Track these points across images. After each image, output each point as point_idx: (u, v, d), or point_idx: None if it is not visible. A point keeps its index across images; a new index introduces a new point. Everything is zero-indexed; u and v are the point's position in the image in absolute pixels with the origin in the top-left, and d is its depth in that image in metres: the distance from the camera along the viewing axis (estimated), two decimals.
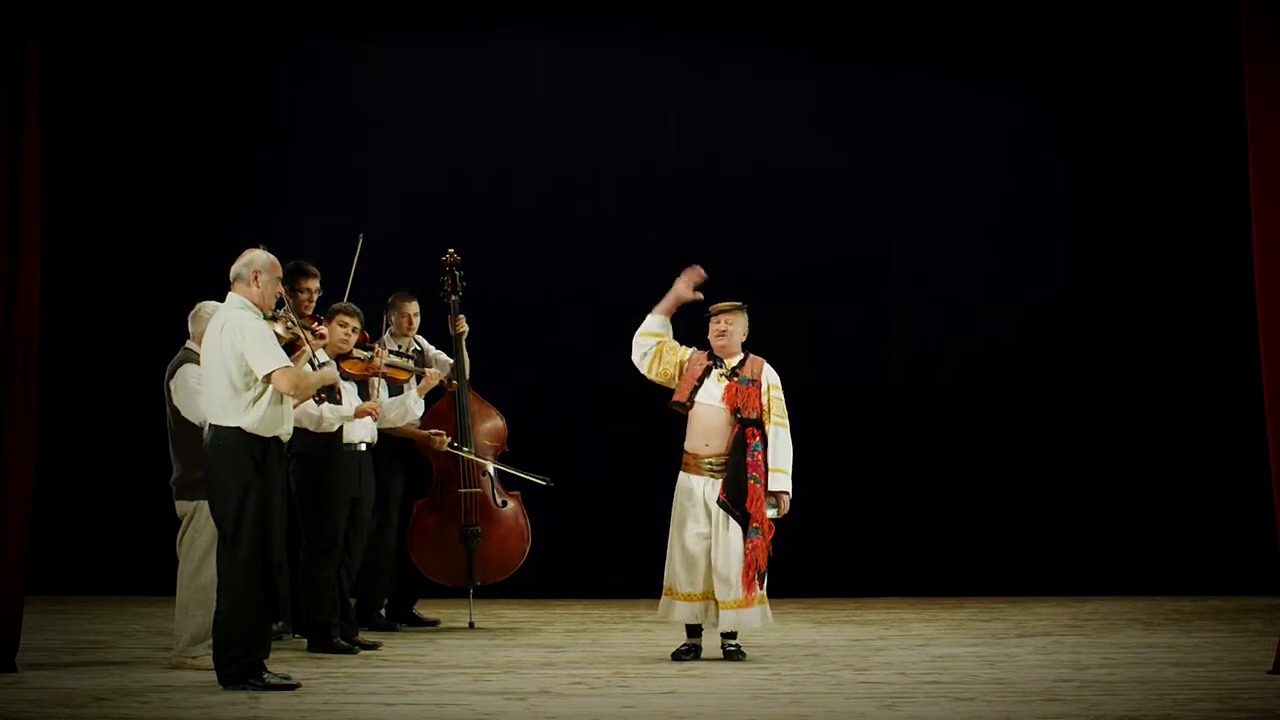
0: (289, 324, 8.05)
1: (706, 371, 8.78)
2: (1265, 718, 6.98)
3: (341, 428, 9.16)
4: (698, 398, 8.75)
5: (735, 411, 8.69)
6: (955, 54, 12.41)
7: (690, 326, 8.98)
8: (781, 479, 8.67)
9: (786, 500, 8.69)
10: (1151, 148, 12.33)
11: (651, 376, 8.90)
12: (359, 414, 9.15)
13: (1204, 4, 11.83)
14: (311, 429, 9.01)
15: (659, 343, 8.86)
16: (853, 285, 12.40)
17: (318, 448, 9.10)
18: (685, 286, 8.90)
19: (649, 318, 8.91)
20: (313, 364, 8.26)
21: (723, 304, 8.85)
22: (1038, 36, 12.34)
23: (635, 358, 8.91)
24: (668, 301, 8.91)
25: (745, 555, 8.60)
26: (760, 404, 8.71)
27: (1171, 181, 12.32)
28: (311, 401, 8.91)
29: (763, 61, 12.47)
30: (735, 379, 8.72)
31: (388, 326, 10.16)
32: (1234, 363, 11.57)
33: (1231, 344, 11.53)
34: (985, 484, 12.30)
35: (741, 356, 8.83)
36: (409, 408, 9.80)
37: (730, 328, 8.79)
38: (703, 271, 8.91)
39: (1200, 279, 12.23)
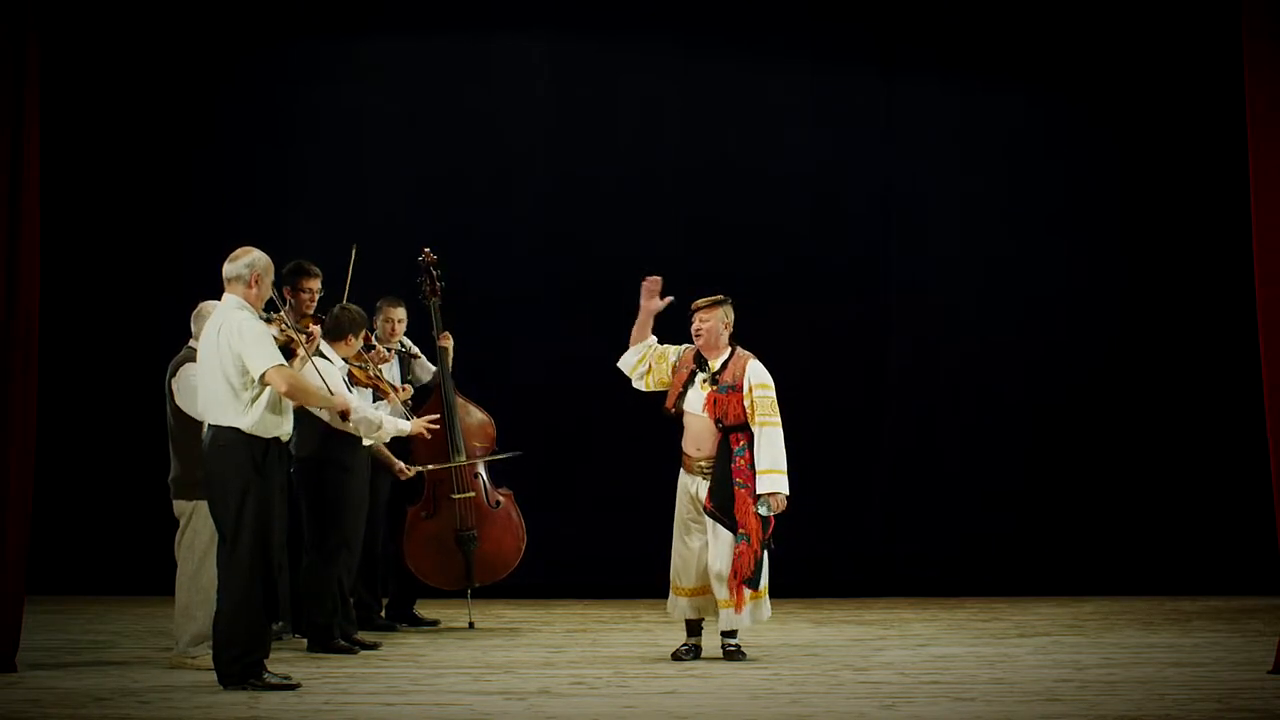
0: (284, 326, 8.06)
1: (691, 376, 8.77)
2: (1265, 718, 6.98)
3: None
4: (684, 406, 8.76)
5: (717, 421, 8.69)
6: (955, 53, 12.41)
7: (679, 322, 8.98)
8: (771, 480, 8.61)
9: (781, 499, 8.66)
10: (1151, 147, 12.33)
11: (649, 389, 8.92)
12: (416, 429, 9.24)
13: (1204, 4, 11.83)
14: (364, 434, 9.00)
15: (649, 357, 8.83)
16: (852, 285, 12.40)
17: (335, 451, 9.09)
18: (649, 299, 8.85)
19: (630, 353, 8.89)
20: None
21: (700, 300, 8.83)
22: (1038, 36, 12.34)
23: (632, 378, 8.91)
24: (641, 320, 8.89)
25: (733, 561, 8.62)
26: (742, 409, 8.67)
27: (1171, 181, 12.32)
28: (370, 410, 8.94)
29: (762, 60, 12.46)
30: (715, 387, 8.70)
31: (373, 331, 10.15)
32: (1234, 362, 11.57)
33: (1231, 344, 11.52)
34: (985, 484, 12.29)
35: (726, 355, 8.78)
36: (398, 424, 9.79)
37: (706, 325, 8.76)
38: (658, 280, 8.85)
39: (1200, 279, 12.23)
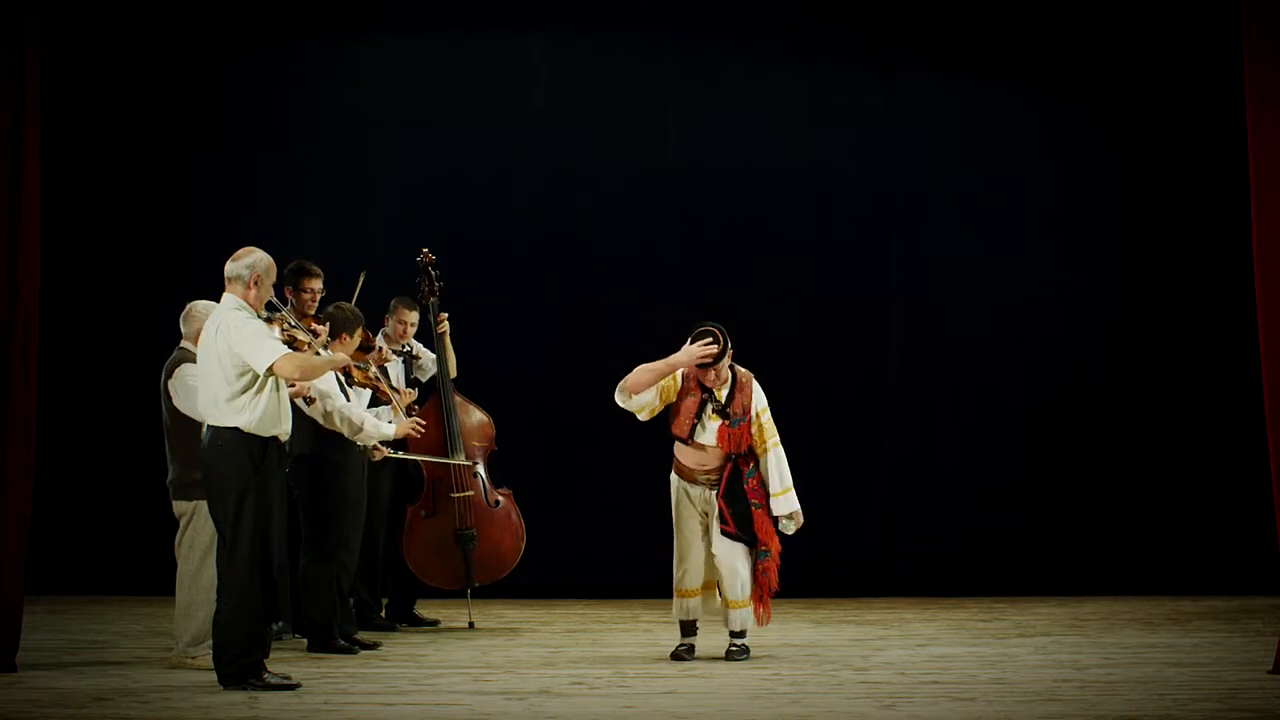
0: (285, 326, 8.05)
1: (701, 406, 8.72)
2: (1266, 718, 6.99)
3: None
4: (696, 437, 8.73)
5: (730, 453, 8.70)
6: (955, 53, 12.40)
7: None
8: (786, 500, 8.66)
9: (799, 515, 8.69)
10: (1151, 147, 12.32)
11: (650, 417, 8.83)
12: (401, 433, 9.18)
13: (1204, 4, 11.83)
14: (345, 433, 8.98)
15: (659, 393, 8.72)
16: (852, 284, 12.39)
17: (328, 450, 9.08)
18: (691, 360, 8.61)
19: (647, 394, 8.66)
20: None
21: (706, 353, 8.60)
22: (1037, 35, 12.33)
23: (639, 416, 8.78)
24: (665, 369, 8.64)
25: (757, 577, 8.66)
26: (750, 436, 8.70)
27: (1171, 181, 12.31)
28: (354, 409, 8.93)
29: (762, 60, 12.46)
30: (726, 421, 8.68)
31: (382, 329, 10.16)
32: (1234, 362, 11.57)
33: (1232, 343, 11.53)
34: (985, 484, 12.29)
35: (730, 382, 8.72)
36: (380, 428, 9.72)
37: (720, 372, 8.66)
38: (713, 353, 8.61)
39: (1200, 278, 12.23)
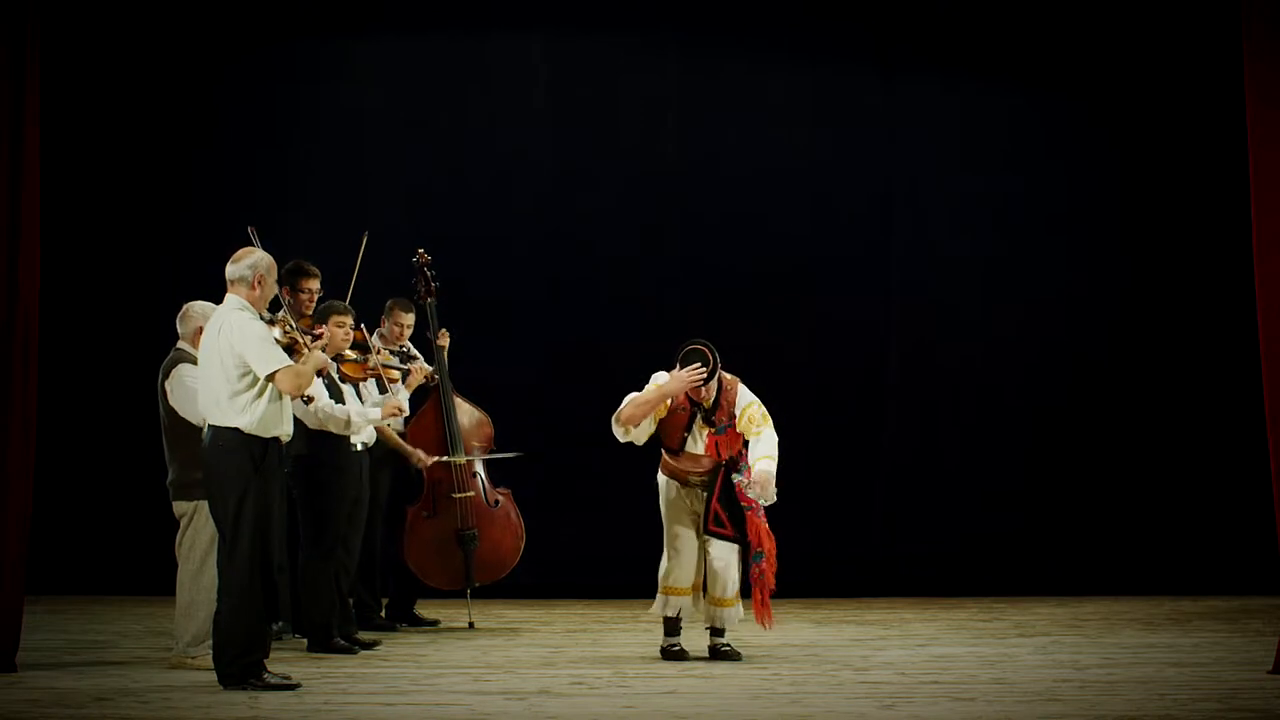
0: (287, 327, 8.05)
1: (691, 418, 8.73)
2: (1266, 718, 6.98)
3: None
4: (687, 449, 8.73)
5: (719, 461, 8.69)
6: (955, 53, 12.41)
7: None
8: (764, 464, 8.56)
9: (770, 482, 8.51)
10: (1151, 146, 12.33)
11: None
12: (386, 414, 9.16)
13: (1204, 4, 11.83)
14: (338, 431, 8.97)
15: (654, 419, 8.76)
16: (852, 284, 12.39)
17: (324, 451, 9.07)
18: (681, 387, 8.60)
19: (645, 425, 8.68)
20: None
21: (696, 378, 8.58)
22: (1037, 36, 12.34)
23: (634, 442, 8.80)
24: (658, 398, 8.64)
25: (753, 579, 8.65)
26: (738, 437, 8.69)
27: (1171, 180, 12.32)
28: (338, 405, 8.92)
29: (762, 60, 12.47)
30: (713, 429, 8.69)
31: (378, 329, 10.15)
32: (1234, 362, 11.57)
33: (1232, 344, 11.53)
34: (985, 484, 12.29)
35: (716, 390, 8.70)
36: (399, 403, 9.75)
37: (712, 385, 8.67)
38: (701, 377, 8.61)
39: (1200, 278, 12.23)
